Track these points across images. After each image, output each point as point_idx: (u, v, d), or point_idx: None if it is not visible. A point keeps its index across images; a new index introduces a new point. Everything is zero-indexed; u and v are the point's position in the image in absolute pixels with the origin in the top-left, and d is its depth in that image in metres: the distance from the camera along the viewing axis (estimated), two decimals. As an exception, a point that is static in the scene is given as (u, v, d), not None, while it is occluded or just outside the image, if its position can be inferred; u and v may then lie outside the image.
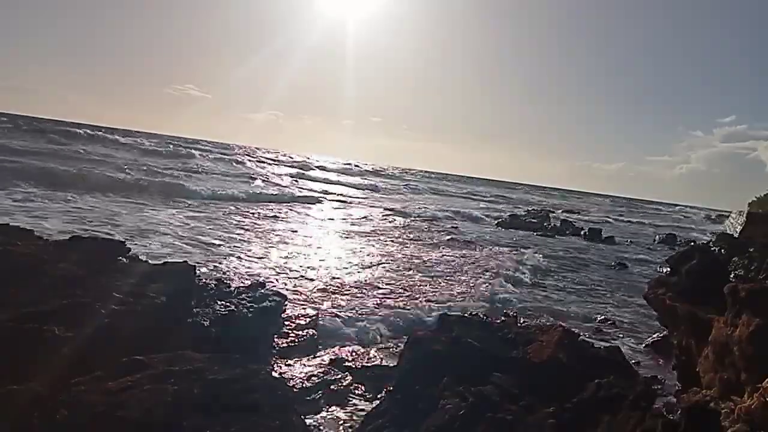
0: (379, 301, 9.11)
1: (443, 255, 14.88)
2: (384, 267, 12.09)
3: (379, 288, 10.07)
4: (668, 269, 7.73)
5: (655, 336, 8.66)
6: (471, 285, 11.37)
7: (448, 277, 11.84)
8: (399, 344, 6.67)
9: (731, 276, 6.71)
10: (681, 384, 6.24)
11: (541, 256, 16.39)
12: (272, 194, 25.67)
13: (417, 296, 9.84)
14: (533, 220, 27.89)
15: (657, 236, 29.40)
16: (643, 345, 8.60)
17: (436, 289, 10.57)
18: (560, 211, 43.07)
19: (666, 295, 6.77)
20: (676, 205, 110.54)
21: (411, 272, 11.87)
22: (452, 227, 22.39)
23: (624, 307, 11.31)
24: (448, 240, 18.31)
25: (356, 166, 76.46)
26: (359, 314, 8.22)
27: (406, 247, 15.65)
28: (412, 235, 18.28)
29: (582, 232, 25.91)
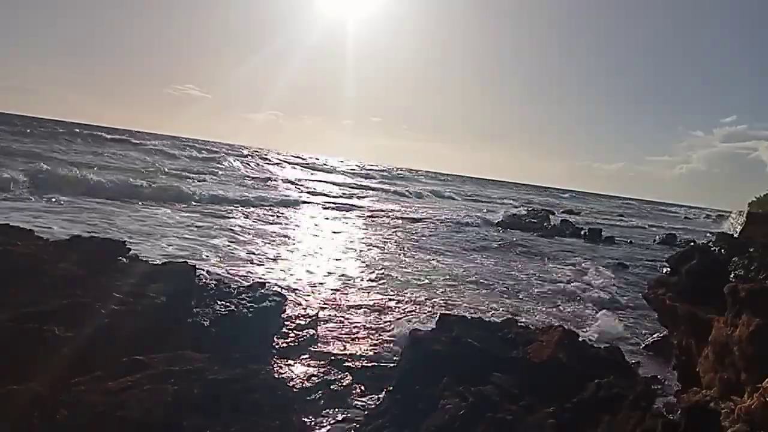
0: (382, 304, 9.12)
1: (451, 260, 14.89)
2: (394, 271, 12.06)
3: (386, 294, 10.07)
4: (668, 269, 7.73)
5: (655, 336, 8.66)
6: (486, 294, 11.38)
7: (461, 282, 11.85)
8: (399, 344, 6.67)
9: (731, 276, 6.71)
10: (681, 384, 6.24)
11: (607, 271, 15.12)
12: (301, 200, 25.38)
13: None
14: (533, 221, 27.84)
15: (657, 236, 29.39)
16: (643, 345, 8.59)
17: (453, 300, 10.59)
18: (560, 211, 43.04)
19: (666, 295, 6.78)
20: (677, 205, 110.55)
21: (419, 276, 11.88)
22: (454, 227, 22.39)
23: (624, 307, 11.30)
24: (453, 242, 18.32)
25: (359, 166, 76.17)
26: (361, 315, 8.24)
27: (418, 250, 15.63)
28: (420, 238, 18.25)
29: (582, 233, 25.87)
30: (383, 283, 10.49)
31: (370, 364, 6.25)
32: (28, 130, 37.78)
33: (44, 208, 13.33)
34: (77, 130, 42.80)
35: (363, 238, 16.41)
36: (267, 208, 20.85)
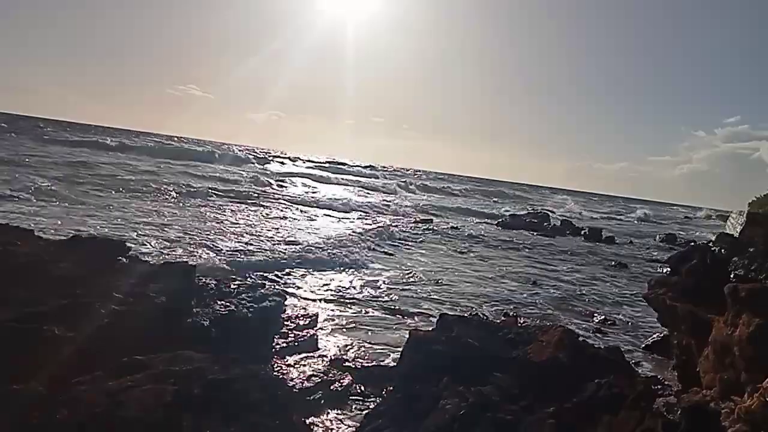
0: (382, 304, 9.12)
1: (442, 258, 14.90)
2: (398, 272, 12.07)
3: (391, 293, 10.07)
4: (668, 269, 7.73)
5: (655, 336, 8.66)
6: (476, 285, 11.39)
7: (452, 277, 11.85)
8: (399, 344, 6.67)
9: (731, 276, 6.70)
10: (681, 384, 6.25)
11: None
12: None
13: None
14: (533, 221, 27.84)
15: (657, 236, 29.39)
16: (643, 345, 8.59)
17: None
18: (560, 210, 43.03)
19: (666, 295, 6.79)
20: (678, 205, 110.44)
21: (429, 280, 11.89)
22: (452, 227, 22.38)
23: (624, 307, 11.31)
24: (444, 240, 18.34)
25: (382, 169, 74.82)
26: (361, 314, 8.23)
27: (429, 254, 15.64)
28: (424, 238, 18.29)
29: (582, 232, 25.89)
30: (384, 283, 10.48)
31: (370, 364, 6.25)
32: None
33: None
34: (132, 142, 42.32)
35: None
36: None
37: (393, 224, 20.10)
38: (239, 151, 57.27)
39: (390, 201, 31.15)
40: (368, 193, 36.66)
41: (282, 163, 54.29)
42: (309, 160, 65.32)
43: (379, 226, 18.60)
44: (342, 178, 44.88)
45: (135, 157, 33.16)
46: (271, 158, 57.71)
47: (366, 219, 21.65)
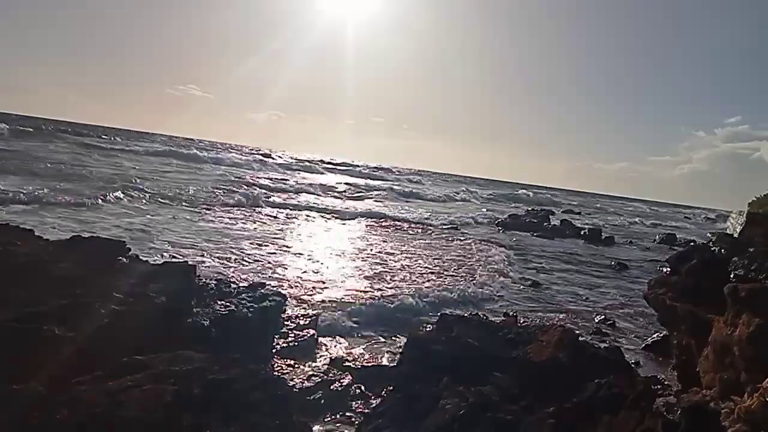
0: (383, 304, 9.11)
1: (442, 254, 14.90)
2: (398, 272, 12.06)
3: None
4: (668, 269, 7.74)
5: (655, 336, 8.67)
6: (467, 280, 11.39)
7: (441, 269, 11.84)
8: (399, 344, 6.67)
9: (731, 276, 6.71)
10: (681, 384, 6.25)
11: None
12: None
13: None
14: (533, 221, 27.82)
15: (657, 236, 29.38)
16: (643, 345, 8.60)
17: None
18: (560, 211, 43.00)
19: (666, 295, 6.79)
20: (678, 205, 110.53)
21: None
22: (452, 228, 22.38)
23: (624, 307, 11.31)
24: (445, 238, 18.33)
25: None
26: (361, 314, 8.23)
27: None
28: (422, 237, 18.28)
29: (582, 233, 25.86)
30: (384, 283, 10.48)
31: (370, 364, 6.25)
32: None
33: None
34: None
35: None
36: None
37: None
38: (283, 158, 58.13)
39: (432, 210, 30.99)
40: (399, 199, 36.45)
41: (321, 172, 54.23)
42: (328, 162, 65.94)
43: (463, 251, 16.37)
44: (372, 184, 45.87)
45: (176, 162, 33.14)
46: (315, 164, 57.48)
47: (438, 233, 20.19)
